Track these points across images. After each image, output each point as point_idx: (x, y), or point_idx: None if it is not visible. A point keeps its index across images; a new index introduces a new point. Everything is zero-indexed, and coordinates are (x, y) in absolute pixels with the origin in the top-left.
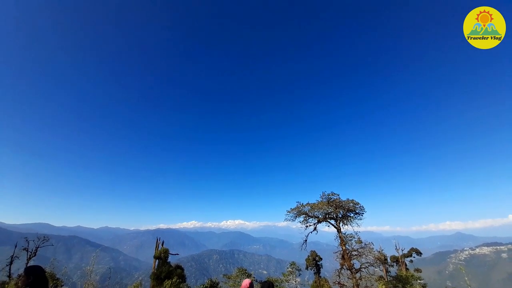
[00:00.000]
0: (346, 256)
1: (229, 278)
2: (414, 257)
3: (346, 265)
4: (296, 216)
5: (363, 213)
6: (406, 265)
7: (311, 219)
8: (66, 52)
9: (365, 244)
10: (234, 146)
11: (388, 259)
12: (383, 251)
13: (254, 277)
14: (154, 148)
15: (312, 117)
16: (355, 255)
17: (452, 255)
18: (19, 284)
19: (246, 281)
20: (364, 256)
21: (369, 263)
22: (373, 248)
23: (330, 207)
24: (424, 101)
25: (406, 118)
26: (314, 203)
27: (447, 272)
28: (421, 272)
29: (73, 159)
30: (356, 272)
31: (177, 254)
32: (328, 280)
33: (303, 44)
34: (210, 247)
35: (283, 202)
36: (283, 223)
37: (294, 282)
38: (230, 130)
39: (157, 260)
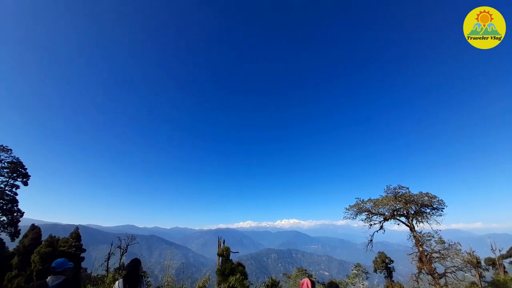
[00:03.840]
0: (424, 259)
1: (289, 278)
2: None
3: (425, 268)
4: (356, 214)
5: (442, 208)
6: (505, 268)
7: (375, 216)
8: (138, 63)
9: (449, 244)
10: (283, 143)
11: (482, 262)
12: (474, 253)
13: (315, 278)
14: (211, 155)
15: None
16: (437, 257)
17: None
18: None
19: (306, 281)
20: (449, 258)
21: (457, 267)
22: (460, 249)
23: (398, 202)
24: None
25: None
26: (377, 199)
27: None
28: None
29: (149, 169)
30: (440, 278)
31: (237, 252)
32: (403, 286)
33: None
34: (267, 246)
35: (342, 200)
36: (342, 222)
37: (361, 286)
38: (281, 125)
39: (220, 258)
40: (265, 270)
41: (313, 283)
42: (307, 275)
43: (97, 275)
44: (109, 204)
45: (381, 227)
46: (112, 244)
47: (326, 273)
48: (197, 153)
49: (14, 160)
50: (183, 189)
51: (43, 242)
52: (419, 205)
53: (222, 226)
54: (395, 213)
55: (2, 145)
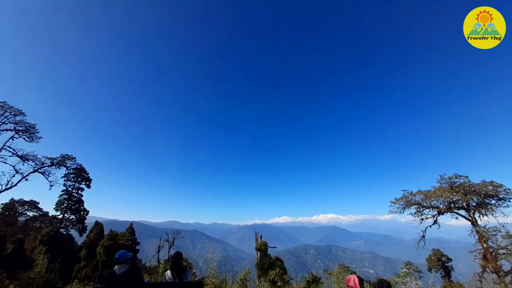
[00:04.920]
0: (489, 256)
1: (330, 274)
2: None
3: (490, 267)
4: (404, 208)
5: (510, 199)
6: None
7: (427, 210)
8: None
9: None
10: (318, 134)
11: None
12: None
13: (359, 275)
14: (248, 151)
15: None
16: (503, 254)
17: None
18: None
19: (353, 278)
20: None
21: None
22: None
23: (455, 193)
24: None
25: None
26: (429, 191)
27: None
28: None
29: (191, 168)
30: (506, 275)
31: (275, 247)
32: (464, 286)
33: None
34: (304, 241)
35: (386, 193)
36: (387, 216)
37: (413, 285)
38: (316, 116)
39: (258, 252)
40: (304, 265)
41: (360, 280)
42: (350, 272)
43: (150, 266)
44: (156, 202)
45: (435, 222)
46: (161, 238)
47: (371, 271)
48: (232, 151)
49: (78, 166)
50: (221, 187)
51: (105, 236)
52: (482, 195)
53: (258, 221)
54: (452, 205)
55: (68, 155)
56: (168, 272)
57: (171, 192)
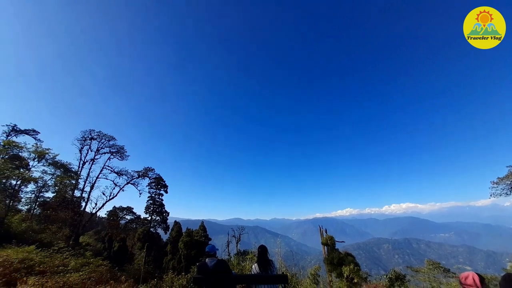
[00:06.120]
0: None
1: (416, 271)
2: None
3: None
4: (511, 188)
5: None
6: None
7: None
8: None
9: None
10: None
11: None
12: None
13: (454, 273)
14: (304, 147)
15: None
16: None
17: None
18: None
19: (471, 275)
20: None
21: None
22: None
23: None
24: None
25: None
26: None
27: None
28: None
29: (250, 168)
30: None
31: (343, 241)
32: None
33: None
34: (375, 235)
35: (480, 174)
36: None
37: None
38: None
39: (325, 247)
40: (378, 261)
41: (481, 278)
42: (442, 268)
43: (223, 258)
44: (221, 202)
45: None
46: (228, 234)
47: (468, 268)
48: (288, 147)
49: (156, 176)
50: (280, 183)
51: (183, 233)
52: None
53: (319, 215)
54: None
55: (149, 167)
56: (256, 265)
57: (233, 192)
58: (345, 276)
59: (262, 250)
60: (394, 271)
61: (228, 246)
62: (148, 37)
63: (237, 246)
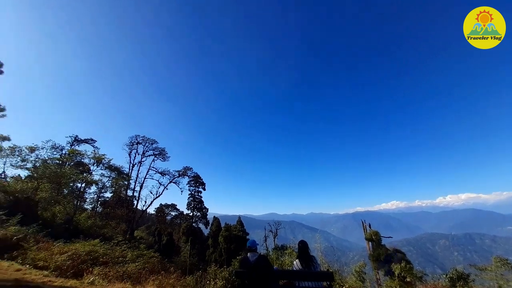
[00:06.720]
0: None
1: (481, 270)
2: None
3: None
4: None
5: None
6: None
7: None
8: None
9: None
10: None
11: None
12: None
13: None
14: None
15: None
16: None
17: None
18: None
19: None
20: None
21: None
22: None
23: None
24: None
25: None
26: None
27: None
28: None
29: (286, 162)
30: None
31: (390, 237)
32: None
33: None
34: (427, 230)
35: None
36: None
37: None
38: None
39: (369, 242)
40: (432, 258)
41: None
42: (510, 265)
43: (261, 253)
44: (256, 197)
45: None
46: (265, 229)
47: None
48: (324, 138)
49: (195, 174)
50: (317, 176)
51: (222, 228)
52: None
53: (360, 209)
54: None
55: (187, 166)
56: (297, 261)
57: (269, 187)
58: (396, 275)
59: (303, 245)
60: (456, 270)
61: (265, 240)
62: (187, 48)
63: (274, 240)
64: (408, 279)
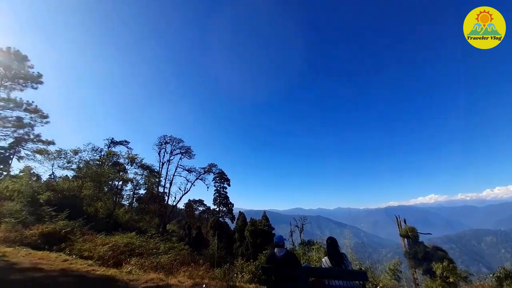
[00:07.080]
0: None
1: None
2: None
3: None
4: None
5: None
6: None
7: None
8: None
9: None
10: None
11: None
12: None
13: None
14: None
15: None
16: None
17: None
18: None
19: None
20: None
21: None
22: None
23: None
24: None
25: None
26: None
27: None
28: None
29: (315, 153)
30: None
31: (429, 234)
32: None
33: None
34: (471, 225)
35: None
36: None
37: None
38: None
39: (405, 239)
40: (477, 256)
41: None
42: None
43: (288, 248)
44: (281, 192)
45: None
46: (291, 224)
47: None
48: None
49: (219, 171)
50: (345, 169)
51: (248, 223)
52: None
53: (393, 203)
54: None
55: (212, 163)
56: (326, 258)
57: (294, 182)
58: (438, 275)
59: (332, 242)
60: (504, 268)
61: (291, 235)
62: (208, 42)
63: (300, 235)
64: (451, 280)
